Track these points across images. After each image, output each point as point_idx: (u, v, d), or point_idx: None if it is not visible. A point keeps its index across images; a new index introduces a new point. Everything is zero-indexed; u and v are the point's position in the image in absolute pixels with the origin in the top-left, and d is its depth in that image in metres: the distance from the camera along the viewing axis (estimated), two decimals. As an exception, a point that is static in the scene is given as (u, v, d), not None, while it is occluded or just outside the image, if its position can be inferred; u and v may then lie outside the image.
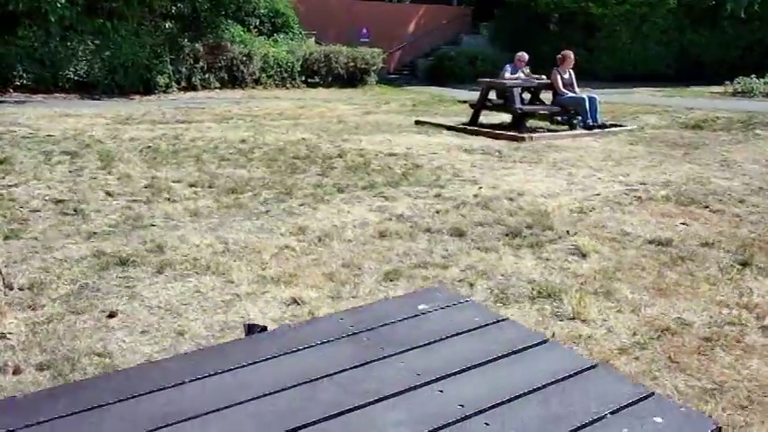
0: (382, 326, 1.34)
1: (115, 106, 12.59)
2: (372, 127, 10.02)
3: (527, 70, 9.97)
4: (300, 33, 20.07)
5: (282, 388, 1.11)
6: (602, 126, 9.34)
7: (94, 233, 4.36)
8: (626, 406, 1.06)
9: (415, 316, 1.39)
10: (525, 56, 10.00)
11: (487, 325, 1.35)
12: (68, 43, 14.05)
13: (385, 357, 1.21)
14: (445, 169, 6.70)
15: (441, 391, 1.11)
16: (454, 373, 1.16)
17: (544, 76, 9.79)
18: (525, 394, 1.09)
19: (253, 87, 17.32)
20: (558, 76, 9.44)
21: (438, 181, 6.16)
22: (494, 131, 9.08)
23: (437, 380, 1.14)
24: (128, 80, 14.82)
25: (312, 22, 20.77)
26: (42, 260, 3.83)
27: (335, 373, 1.16)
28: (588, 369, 1.19)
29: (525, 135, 8.59)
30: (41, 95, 13.58)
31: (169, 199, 5.32)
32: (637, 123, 10.21)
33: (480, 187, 5.90)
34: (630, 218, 5.06)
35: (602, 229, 4.77)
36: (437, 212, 5.10)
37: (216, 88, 16.61)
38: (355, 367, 1.19)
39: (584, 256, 4.18)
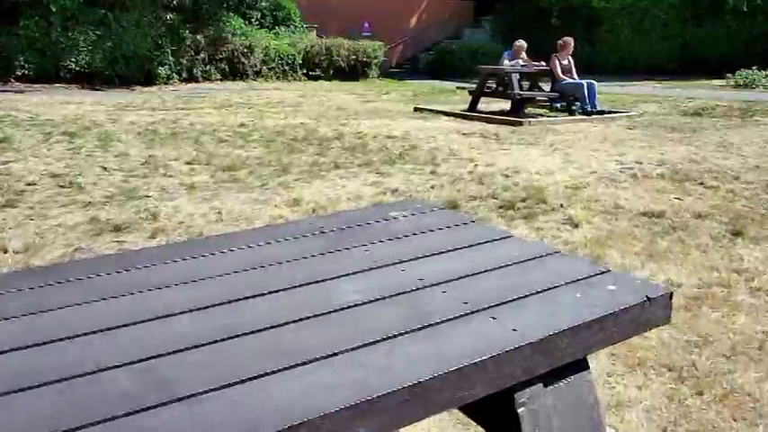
0: (352, 226, 1.37)
1: (116, 96, 12.64)
2: (371, 113, 10.04)
3: (524, 56, 9.97)
4: (302, 26, 20.09)
5: (252, 267, 1.14)
6: (601, 112, 9.33)
7: (90, 203, 4.39)
8: (582, 279, 1.08)
9: (387, 220, 1.42)
10: (524, 44, 10.00)
11: (457, 225, 1.37)
12: (70, 34, 14.09)
13: (350, 248, 1.23)
14: (442, 150, 6.72)
15: (402, 270, 1.13)
16: (417, 258, 1.18)
17: (543, 63, 9.80)
18: (485, 272, 1.11)
19: (254, 80, 17.34)
20: (557, 62, 9.44)
21: (434, 160, 6.18)
22: (492, 117, 9.09)
23: (399, 263, 1.16)
24: (129, 71, 14.86)
25: (314, 15, 20.78)
26: (37, 226, 3.86)
27: (301, 258, 1.18)
28: (550, 254, 1.21)
29: (523, 120, 8.59)
30: (42, 85, 13.63)
31: (165, 174, 5.35)
32: (636, 111, 10.20)
33: (476, 165, 5.91)
34: (625, 193, 5.07)
35: (595, 202, 4.78)
36: (432, 187, 5.12)
37: (217, 80, 16.64)
38: (321, 255, 1.21)
39: (576, 226, 4.20)
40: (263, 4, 18.83)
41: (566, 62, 9.54)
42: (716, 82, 17.23)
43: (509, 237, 1.31)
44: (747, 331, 2.74)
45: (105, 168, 5.42)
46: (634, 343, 2.65)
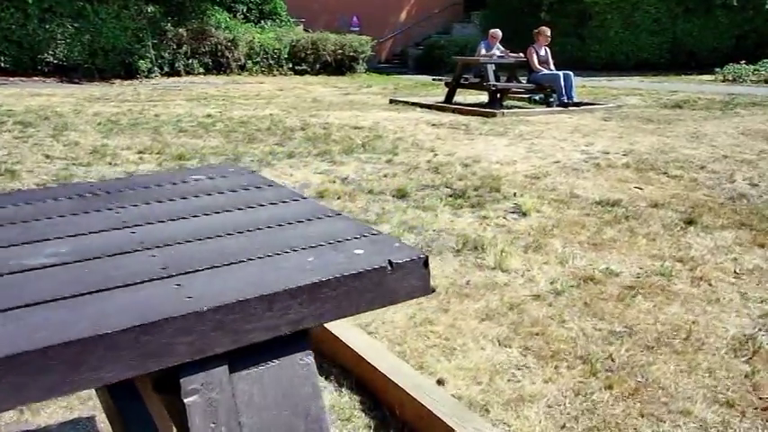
0: (128, 189, 1.19)
1: (92, 89, 12.44)
2: (345, 105, 9.86)
3: (499, 46, 9.78)
4: (288, 21, 19.86)
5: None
6: (579, 104, 9.14)
7: (19, 190, 4.20)
8: (334, 242, 0.90)
9: (182, 183, 1.24)
10: (499, 33, 9.81)
11: (249, 189, 1.19)
12: (47, 26, 13.86)
13: (99, 211, 1.06)
14: (405, 140, 6.54)
15: (132, 233, 0.95)
16: (164, 221, 1.00)
17: (521, 54, 9.60)
18: (228, 234, 0.93)
19: (238, 74, 17.11)
20: (534, 53, 9.25)
21: (395, 149, 5.99)
22: (466, 108, 8.91)
23: (137, 225, 0.99)
24: (108, 64, 14.64)
25: (302, 9, 20.57)
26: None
27: (49, 218, 1.01)
28: (329, 217, 1.02)
29: (497, 111, 8.41)
30: (20, 78, 13.42)
31: (110, 163, 5.18)
32: (616, 103, 10.01)
33: (436, 154, 5.74)
34: (584, 182, 4.90)
35: (551, 191, 4.61)
36: (384, 176, 4.94)
37: (200, 74, 16.40)
38: (59, 216, 1.03)
39: (524, 214, 4.03)
40: (249, -3, 18.62)
41: (542, 52, 9.35)
42: (705, 77, 17.07)
43: (299, 200, 1.13)
44: (677, 321, 2.57)
45: (48, 156, 5.24)
46: (553, 334, 2.47)
